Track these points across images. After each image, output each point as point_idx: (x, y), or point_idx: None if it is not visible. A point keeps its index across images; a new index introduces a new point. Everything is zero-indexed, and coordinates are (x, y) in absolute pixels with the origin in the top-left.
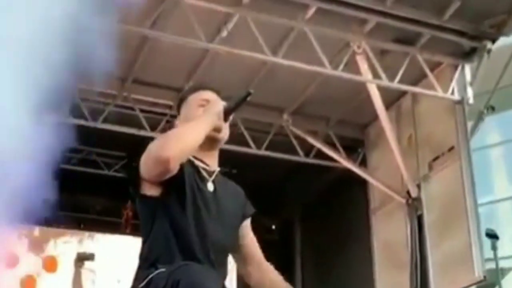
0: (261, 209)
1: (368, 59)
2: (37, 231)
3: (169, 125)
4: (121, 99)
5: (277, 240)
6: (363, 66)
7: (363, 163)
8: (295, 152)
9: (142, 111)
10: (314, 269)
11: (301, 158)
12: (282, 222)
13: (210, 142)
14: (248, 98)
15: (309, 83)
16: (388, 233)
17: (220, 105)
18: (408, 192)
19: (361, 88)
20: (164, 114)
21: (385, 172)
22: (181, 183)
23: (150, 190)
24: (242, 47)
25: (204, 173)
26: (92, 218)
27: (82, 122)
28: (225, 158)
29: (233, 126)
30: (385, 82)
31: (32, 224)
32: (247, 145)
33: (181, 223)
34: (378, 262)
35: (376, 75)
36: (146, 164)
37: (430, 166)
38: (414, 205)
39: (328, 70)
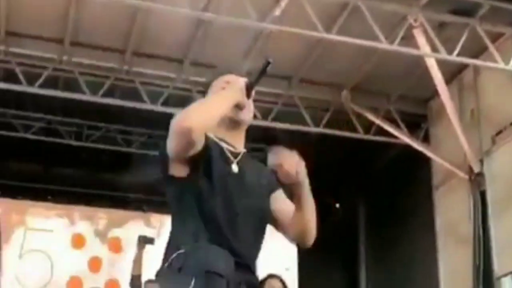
0: (324, 189)
1: (425, 32)
2: (102, 213)
3: None
4: (180, 81)
5: (341, 219)
6: (421, 39)
7: (425, 139)
8: (354, 130)
9: (199, 92)
10: (378, 246)
11: (361, 135)
12: (346, 201)
13: (234, 122)
14: (268, 68)
15: (367, 58)
16: (451, 209)
17: (241, 80)
18: (471, 168)
19: (421, 62)
20: None
21: (448, 148)
22: (207, 163)
23: (178, 171)
24: (295, 26)
25: (229, 155)
26: (157, 200)
27: (143, 105)
28: (283, 137)
29: (291, 106)
30: (443, 55)
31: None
32: (305, 123)
33: (207, 204)
34: (441, 238)
35: (434, 49)
36: (170, 139)
37: (493, 141)
38: (477, 181)
39: (384, 45)
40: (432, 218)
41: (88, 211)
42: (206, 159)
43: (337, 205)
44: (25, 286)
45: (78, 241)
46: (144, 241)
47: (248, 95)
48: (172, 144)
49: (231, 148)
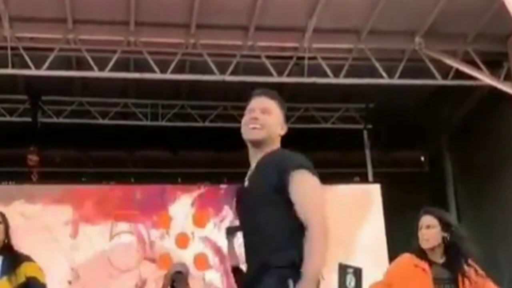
0: (406, 142)
1: None
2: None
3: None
4: (247, 48)
5: (427, 172)
6: None
7: (508, 78)
8: (432, 76)
9: (267, 57)
10: (469, 196)
11: (439, 81)
12: (431, 152)
13: (249, 142)
14: None
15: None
16: None
17: None
18: None
19: None
20: (290, 58)
21: None
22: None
23: None
24: None
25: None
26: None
27: (213, 77)
28: (359, 93)
29: (363, 60)
30: None
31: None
32: (379, 76)
33: None
34: None
35: None
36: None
37: None
38: None
39: None
40: None
41: (169, 189)
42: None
43: (422, 158)
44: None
45: (164, 221)
46: (232, 231)
47: None
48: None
49: (249, 171)
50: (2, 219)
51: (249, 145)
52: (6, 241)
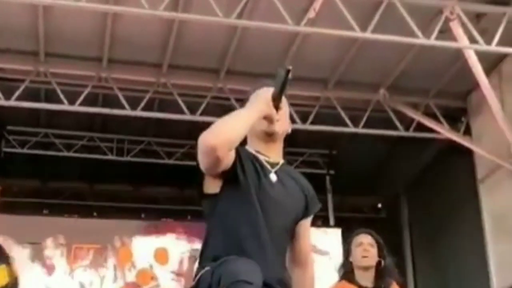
0: (366, 188)
1: (463, 24)
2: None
3: None
4: (216, 90)
5: (384, 218)
6: (458, 32)
7: (467, 132)
8: (394, 127)
9: (237, 100)
10: (424, 243)
11: (401, 132)
12: (388, 199)
13: (266, 135)
14: (290, 75)
15: (403, 55)
16: (498, 201)
17: (266, 92)
18: None
19: (459, 55)
20: None
21: (491, 140)
22: (237, 176)
23: (211, 188)
24: (330, 27)
25: (266, 165)
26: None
27: (183, 117)
28: (323, 139)
29: (329, 108)
30: (482, 46)
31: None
32: (344, 124)
33: (233, 217)
34: (489, 231)
35: (472, 40)
36: (199, 156)
37: None
38: None
39: (421, 40)
40: (479, 211)
41: (131, 224)
42: (237, 171)
43: (379, 205)
44: None
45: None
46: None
47: (276, 107)
48: (201, 162)
49: (267, 159)
50: None
51: (260, 136)
52: None
